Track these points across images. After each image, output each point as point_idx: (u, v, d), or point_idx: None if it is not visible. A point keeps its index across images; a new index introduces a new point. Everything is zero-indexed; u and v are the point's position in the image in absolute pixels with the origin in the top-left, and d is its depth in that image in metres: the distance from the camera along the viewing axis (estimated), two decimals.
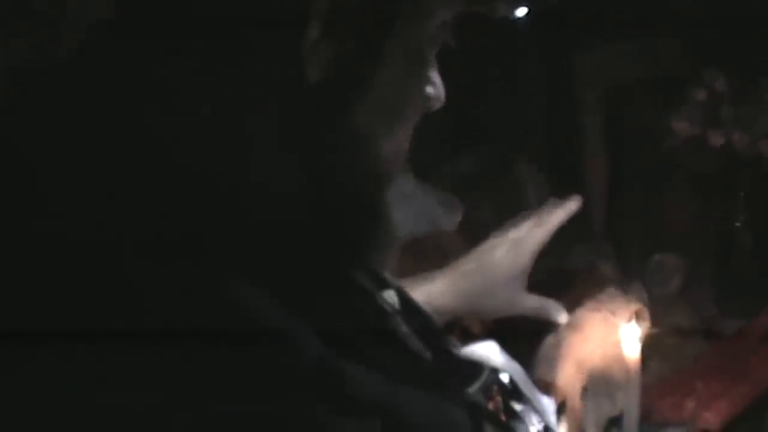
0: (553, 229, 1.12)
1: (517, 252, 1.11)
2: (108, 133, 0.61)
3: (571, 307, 1.19)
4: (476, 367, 0.81)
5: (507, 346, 0.94)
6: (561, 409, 1.11)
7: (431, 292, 1.07)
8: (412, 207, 1.26)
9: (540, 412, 0.84)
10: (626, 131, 1.62)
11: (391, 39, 0.65)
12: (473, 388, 0.76)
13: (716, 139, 1.49)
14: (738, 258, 1.49)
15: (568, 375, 1.11)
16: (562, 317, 1.13)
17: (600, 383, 1.12)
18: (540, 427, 0.82)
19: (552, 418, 0.87)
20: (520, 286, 1.11)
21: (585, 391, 1.12)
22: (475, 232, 1.29)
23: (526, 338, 1.16)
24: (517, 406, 0.81)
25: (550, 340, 1.14)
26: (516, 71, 1.60)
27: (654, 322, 1.19)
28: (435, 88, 0.72)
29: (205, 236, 0.60)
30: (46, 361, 0.55)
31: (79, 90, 0.62)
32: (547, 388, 1.12)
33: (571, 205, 1.13)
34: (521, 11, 1.43)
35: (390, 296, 0.81)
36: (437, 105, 0.72)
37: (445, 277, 1.10)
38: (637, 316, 1.15)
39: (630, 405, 1.08)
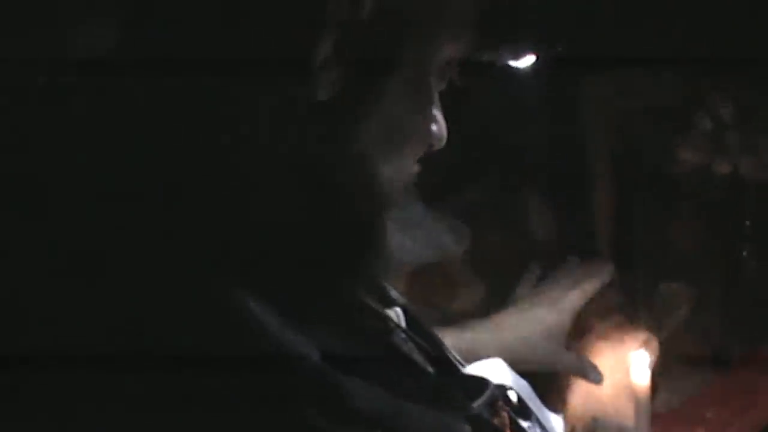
0: (589, 296, 1.17)
1: (557, 311, 1.15)
2: (114, 149, 0.61)
3: (579, 335, 1.19)
4: (481, 382, 0.81)
5: None
6: None
7: (468, 339, 1.09)
8: (419, 233, 1.25)
9: (548, 430, 0.83)
10: (632, 159, 1.62)
11: (398, 64, 0.66)
12: (477, 404, 0.76)
13: (722, 167, 1.48)
14: (745, 286, 1.49)
15: (577, 404, 1.11)
16: (599, 378, 1.16)
17: (609, 412, 1.12)
18: None
19: None
20: (559, 344, 1.15)
21: (594, 420, 1.11)
22: (482, 259, 1.29)
23: None
24: (524, 423, 0.81)
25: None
26: (522, 98, 1.60)
27: (662, 350, 1.19)
28: (438, 127, 0.73)
29: (205, 251, 0.61)
30: (48, 385, 0.56)
31: (91, 102, 0.63)
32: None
33: (605, 276, 1.19)
34: (528, 60, 1.43)
35: (395, 313, 0.81)
36: (438, 145, 0.74)
37: (484, 327, 1.13)
38: (646, 345, 1.15)
39: None
